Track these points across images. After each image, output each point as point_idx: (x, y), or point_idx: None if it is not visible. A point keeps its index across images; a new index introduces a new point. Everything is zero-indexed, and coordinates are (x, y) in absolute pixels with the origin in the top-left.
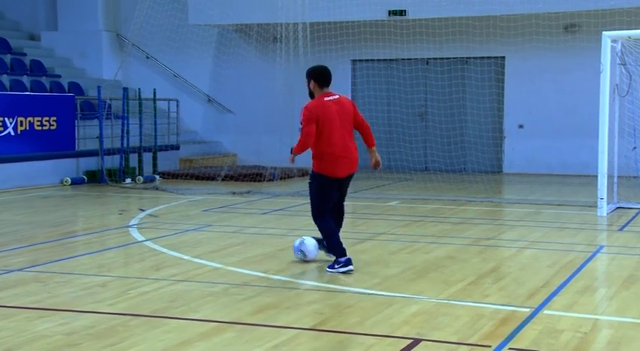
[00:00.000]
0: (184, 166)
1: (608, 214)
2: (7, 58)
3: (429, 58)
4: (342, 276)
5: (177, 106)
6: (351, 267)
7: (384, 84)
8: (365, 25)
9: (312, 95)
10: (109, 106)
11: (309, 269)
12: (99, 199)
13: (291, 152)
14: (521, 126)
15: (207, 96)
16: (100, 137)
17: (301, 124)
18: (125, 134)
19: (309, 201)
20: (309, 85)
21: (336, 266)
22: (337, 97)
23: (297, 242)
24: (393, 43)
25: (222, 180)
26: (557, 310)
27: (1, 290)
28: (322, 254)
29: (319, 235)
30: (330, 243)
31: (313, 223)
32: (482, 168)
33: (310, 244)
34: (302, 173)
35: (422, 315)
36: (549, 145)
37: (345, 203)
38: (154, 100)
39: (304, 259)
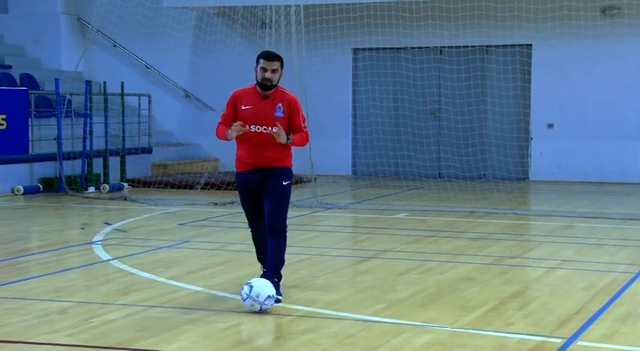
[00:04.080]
0: (157, 173)
1: None
2: None
3: (443, 47)
4: (336, 299)
5: (150, 102)
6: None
7: (390, 77)
8: (368, 7)
9: (275, 86)
10: (69, 102)
11: (303, 293)
12: (57, 211)
13: (287, 141)
14: (550, 125)
15: (184, 91)
16: (59, 139)
17: (302, 116)
18: (88, 135)
19: (281, 209)
20: (280, 74)
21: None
22: None
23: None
24: (401, 28)
25: (202, 189)
26: (594, 341)
27: None
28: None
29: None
30: (282, 265)
31: (278, 241)
32: (506, 174)
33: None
34: (295, 181)
35: (435, 346)
36: (583, 148)
37: (345, 215)
38: (122, 95)
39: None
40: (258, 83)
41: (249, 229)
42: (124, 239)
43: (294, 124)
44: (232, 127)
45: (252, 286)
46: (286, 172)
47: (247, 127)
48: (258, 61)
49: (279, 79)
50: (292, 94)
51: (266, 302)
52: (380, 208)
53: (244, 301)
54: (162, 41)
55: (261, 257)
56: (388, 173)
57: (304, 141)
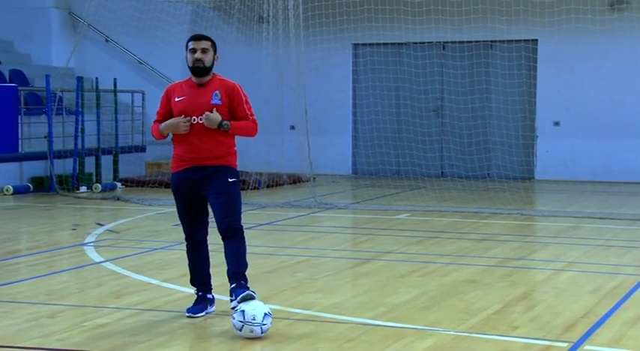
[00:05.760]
0: (151, 172)
1: None
2: None
3: (447, 42)
4: (336, 302)
5: (143, 99)
6: None
7: (391, 73)
8: (369, 1)
9: (210, 70)
10: (60, 99)
11: (302, 296)
12: (47, 212)
13: (221, 126)
14: (556, 123)
15: None
16: (49, 137)
17: (247, 104)
18: (79, 133)
19: (235, 208)
20: (213, 57)
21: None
22: None
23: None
24: (402, 23)
25: None
26: (601, 346)
27: None
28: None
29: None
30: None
31: (237, 243)
32: (510, 174)
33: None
34: (293, 180)
35: (437, 350)
36: (591, 147)
37: (345, 215)
38: (115, 91)
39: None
40: (190, 70)
41: (185, 244)
42: (117, 241)
43: (238, 114)
44: (176, 120)
45: (243, 311)
46: (230, 171)
47: (191, 119)
48: (186, 46)
49: (213, 63)
50: (233, 81)
51: (265, 322)
52: (381, 208)
53: (240, 330)
54: (157, 36)
55: (196, 278)
56: (389, 172)
57: (251, 130)
